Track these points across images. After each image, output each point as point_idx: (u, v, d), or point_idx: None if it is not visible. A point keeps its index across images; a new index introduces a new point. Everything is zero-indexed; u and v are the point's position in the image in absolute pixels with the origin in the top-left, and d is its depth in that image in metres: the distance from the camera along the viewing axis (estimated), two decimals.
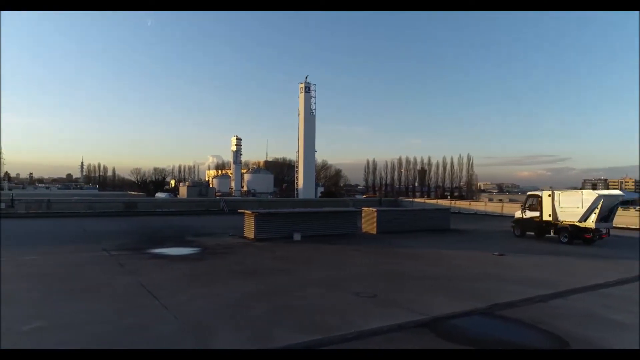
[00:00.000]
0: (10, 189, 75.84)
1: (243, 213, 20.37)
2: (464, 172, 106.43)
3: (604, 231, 20.19)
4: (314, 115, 79.81)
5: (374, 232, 22.69)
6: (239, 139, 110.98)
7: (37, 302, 8.69)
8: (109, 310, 8.23)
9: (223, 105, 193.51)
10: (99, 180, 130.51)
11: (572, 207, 20.22)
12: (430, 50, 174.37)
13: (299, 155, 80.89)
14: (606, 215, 19.83)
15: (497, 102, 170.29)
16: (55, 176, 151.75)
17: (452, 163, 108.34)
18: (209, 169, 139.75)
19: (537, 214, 21.79)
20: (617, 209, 20.61)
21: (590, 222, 19.44)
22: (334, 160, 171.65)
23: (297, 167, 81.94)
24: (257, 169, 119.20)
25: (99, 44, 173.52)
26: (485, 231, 25.74)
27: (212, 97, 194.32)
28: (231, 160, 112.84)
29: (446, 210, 28.00)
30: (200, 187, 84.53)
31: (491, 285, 11.00)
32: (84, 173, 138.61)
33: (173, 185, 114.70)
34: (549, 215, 21.19)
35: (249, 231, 19.43)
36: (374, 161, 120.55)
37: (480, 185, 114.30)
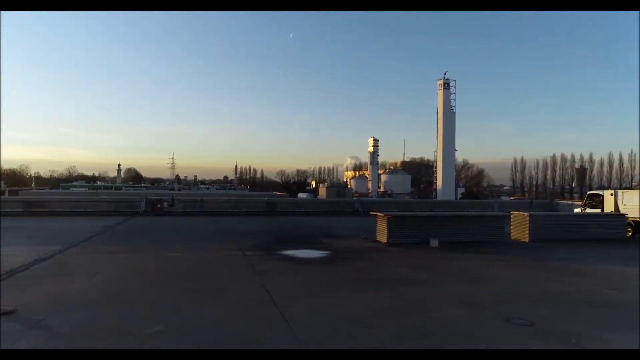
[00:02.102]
0: (179, 190, 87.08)
1: (376, 215, 19.26)
2: (637, 170, 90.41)
3: None
4: (454, 113, 75.51)
5: (526, 239, 19.64)
6: (376, 140, 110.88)
7: (165, 303, 8.72)
8: (229, 316, 7.82)
9: (361, 107, 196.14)
10: (250, 182, 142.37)
11: (635, 204, 22.14)
12: (577, 42, 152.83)
13: (437, 155, 77.38)
14: None
15: None
16: (214, 178, 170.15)
17: (620, 160, 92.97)
18: (347, 170, 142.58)
19: (598, 211, 23.89)
20: None
21: None
22: (476, 159, 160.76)
23: (436, 167, 78.42)
24: (393, 170, 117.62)
25: (246, 49, 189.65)
26: None
27: (350, 99, 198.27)
28: (368, 161, 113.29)
29: (621, 215, 23.15)
30: (338, 187, 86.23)
31: None
32: (237, 175, 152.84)
33: (314, 185, 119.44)
34: (612, 211, 23.27)
35: (382, 235, 18.26)
36: (522, 159, 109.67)
37: None
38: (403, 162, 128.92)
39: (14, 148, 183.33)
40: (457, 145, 75.20)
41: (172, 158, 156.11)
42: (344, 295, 9.46)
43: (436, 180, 77.01)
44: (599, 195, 25.14)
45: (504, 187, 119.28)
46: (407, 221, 18.37)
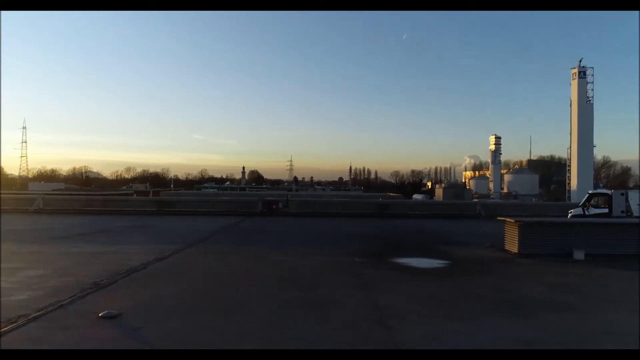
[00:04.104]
0: (297, 191, 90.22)
1: (503, 221, 16.85)
2: None
3: None
4: (592, 104, 66.54)
5: None
6: (497, 138, 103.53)
7: (267, 316, 7.93)
8: (332, 338, 6.76)
9: (480, 103, 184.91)
10: (364, 183, 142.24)
11: None
12: None
13: (570, 152, 68.99)
14: None
15: None
16: (329, 179, 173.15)
17: None
18: (465, 170, 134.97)
19: (605, 210, 23.11)
20: None
21: None
22: (619, 155, 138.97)
23: (569, 166, 70.00)
24: (518, 169, 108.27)
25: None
26: None
27: (469, 95, 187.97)
28: (489, 160, 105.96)
29: None
30: (456, 188, 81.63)
31: None
32: (351, 176, 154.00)
33: (429, 186, 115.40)
34: (622, 212, 22.40)
35: (511, 243, 15.83)
36: None
37: None
38: (529, 161, 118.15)
39: (158, 153, 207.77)
40: (595, 141, 66.14)
41: (290, 160, 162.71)
42: (469, 319, 7.82)
43: (569, 180, 68.68)
44: (606, 194, 24.35)
45: None
46: (543, 228, 15.65)
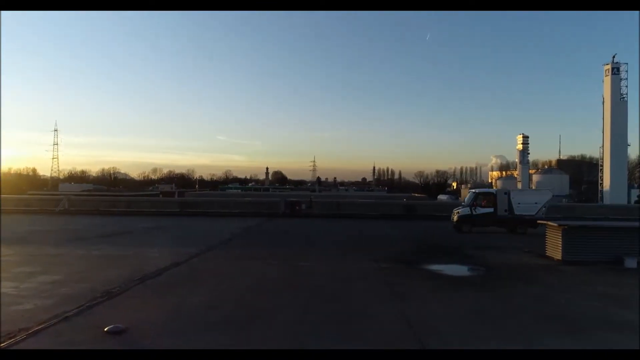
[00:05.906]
0: (320, 191, 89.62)
1: (544, 224, 15.60)
2: None
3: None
4: (626, 101, 63.85)
5: None
6: (525, 137, 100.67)
7: (287, 330, 7.12)
8: None
9: (507, 101, 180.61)
10: (387, 183, 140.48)
11: (529, 203, 23.52)
12: None
13: (603, 151, 66.40)
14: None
15: None
16: (353, 179, 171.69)
17: None
18: (492, 170, 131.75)
19: (491, 210, 23.77)
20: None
21: (541, 214, 22.88)
22: None
23: (602, 166, 67.36)
24: (547, 169, 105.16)
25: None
26: None
27: (495, 93, 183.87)
28: (517, 160, 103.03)
29: None
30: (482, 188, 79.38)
31: None
32: (375, 176, 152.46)
33: (455, 187, 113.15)
34: (505, 211, 23.48)
35: (553, 249, 14.59)
36: None
37: None
38: (559, 161, 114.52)
39: (183, 155, 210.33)
40: (629, 139, 63.34)
41: (314, 161, 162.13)
42: (522, 340, 6.77)
43: (602, 180, 65.98)
44: (491, 194, 25.22)
45: None
46: (590, 233, 14.30)
